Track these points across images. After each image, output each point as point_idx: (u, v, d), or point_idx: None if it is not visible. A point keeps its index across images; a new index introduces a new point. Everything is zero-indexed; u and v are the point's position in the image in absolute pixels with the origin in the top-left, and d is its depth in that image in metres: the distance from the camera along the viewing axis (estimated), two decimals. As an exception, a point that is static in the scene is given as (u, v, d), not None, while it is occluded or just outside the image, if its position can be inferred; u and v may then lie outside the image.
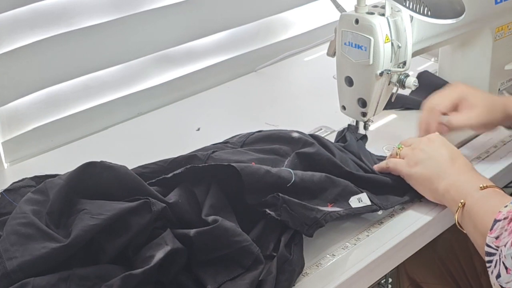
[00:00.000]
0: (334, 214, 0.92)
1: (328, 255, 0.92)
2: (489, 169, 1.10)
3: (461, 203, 0.91)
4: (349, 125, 1.15)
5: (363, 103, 1.10)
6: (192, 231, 0.85)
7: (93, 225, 0.82)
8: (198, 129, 1.28)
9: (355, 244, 0.95)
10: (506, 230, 0.80)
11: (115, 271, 0.81)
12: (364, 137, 1.13)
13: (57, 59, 1.22)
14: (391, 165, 1.04)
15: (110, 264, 0.83)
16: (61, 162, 1.19)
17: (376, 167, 1.05)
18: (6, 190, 0.99)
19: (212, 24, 1.44)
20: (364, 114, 1.11)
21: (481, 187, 0.91)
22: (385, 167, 1.04)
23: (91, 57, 1.27)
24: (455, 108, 1.09)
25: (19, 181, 1.02)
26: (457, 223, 0.93)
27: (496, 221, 0.82)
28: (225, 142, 1.12)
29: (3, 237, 0.83)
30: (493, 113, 1.08)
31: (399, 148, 1.05)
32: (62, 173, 0.95)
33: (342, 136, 1.14)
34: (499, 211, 0.82)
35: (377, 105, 1.10)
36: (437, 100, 1.09)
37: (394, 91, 1.11)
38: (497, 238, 0.81)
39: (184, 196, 0.91)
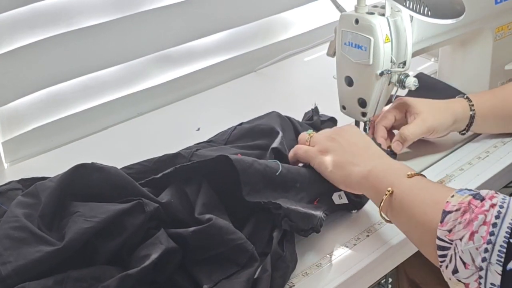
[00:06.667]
0: (323, 217, 0.93)
1: (328, 255, 0.92)
2: (489, 169, 1.10)
3: (388, 191, 0.87)
4: (313, 109, 1.20)
5: (363, 103, 1.10)
6: (188, 230, 0.85)
7: (87, 228, 0.82)
8: (198, 129, 1.28)
9: (355, 244, 0.94)
10: (460, 223, 0.76)
11: (110, 272, 0.81)
12: (332, 120, 1.16)
13: (57, 59, 1.23)
14: (300, 152, 1.01)
15: (106, 265, 0.82)
16: (61, 162, 1.18)
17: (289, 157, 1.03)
18: None
19: (212, 24, 1.44)
20: (364, 114, 1.11)
21: (408, 175, 0.87)
22: (293, 155, 1.02)
23: (91, 57, 1.27)
24: (401, 122, 1.10)
25: (5, 184, 1.02)
26: (380, 213, 0.89)
27: (446, 212, 0.78)
28: (209, 141, 1.13)
29: None
30: (439, 116, 1.08)
31: (309, 134, 1.02)
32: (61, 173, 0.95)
33: (309, 118, 1.18)
34: (447, 202, 0.78)
35: (377, 105, 1.10)
36: (381, 116, 1.11)
37: (393, 92, 1.11)
38: (450, 231, 0.77)
39: (176, 196, 0.91)
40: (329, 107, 1.22)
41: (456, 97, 1.15)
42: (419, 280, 1.25)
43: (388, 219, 0.90)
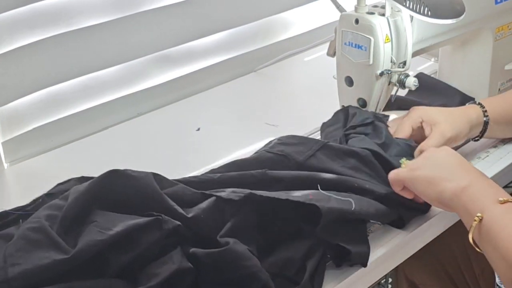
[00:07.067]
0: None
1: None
2: (489, 169, 1.10)
3: (478, 217, 0.82)
4: (377, 115, 1.09)
5: (363, 103, 1.10)
6: (204, 251, 0.83)
7: (99, 240, 0.80)
8: (198, 129, 1.28)
9: (355, 244, 0.94)
10: None
11: (117, 286, 0.80)
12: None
13: (57, 59, 1.22)
14: (392, 176, 0.96)
15: (112, 279, 0.81)
16: (61, 162, 1.19)
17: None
18: (48, 194, 0.96)
19: (212, 24, 1.44)
20: (364, 114, 1.11)
21: (500, 201, 0.82)
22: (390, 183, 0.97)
23: (91, 57, 1.27)
24: (418, 131, 1.06)
25: (63, 182, 0.97)
26: (471, 240, 0.83)
27: None
28: (281, 154, 0.99)
29: (13, 241, 0.81)
30: (457, 125, 1.05)
31: (403, 163, 0.97)
32: (61, 173, 0.94)
33: (366, 124, 1.06)
34: None
35: (377, 105, 1.10)
36: (397, 128, 1.06)
37: (393, 92, 1.11)
38: None
39: (210, 211, 0.87)
40: (329, 107, 1.22)
41: (467, 103, 1.13)
42: (418, 280, 1.25)
43: (479, 248, 0.84)
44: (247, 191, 0.89)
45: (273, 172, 0.94)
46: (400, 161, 0.98)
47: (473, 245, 0.84)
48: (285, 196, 0.88)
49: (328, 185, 0.93)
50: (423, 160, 0.94)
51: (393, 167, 0.98)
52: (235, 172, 0.96)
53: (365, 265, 0.90)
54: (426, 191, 0.92)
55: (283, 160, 0.98)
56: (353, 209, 0.89)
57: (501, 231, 0.80)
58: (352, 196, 0.91)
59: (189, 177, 0.97)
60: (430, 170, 0.92)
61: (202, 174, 0.98)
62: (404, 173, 0.95)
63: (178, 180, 0.94)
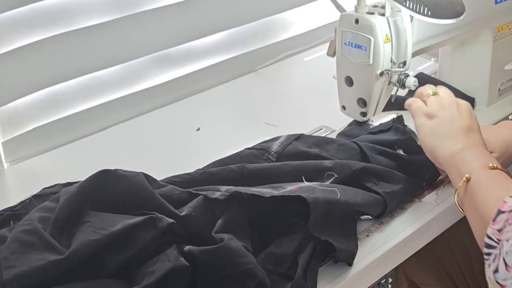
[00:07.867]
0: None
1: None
2: (489, 169, 1.10)
3: (466, 177, 0.87)
4: (394, 118, 1.16)
5: (363, 103, 1.10)
6: (199, 249, 0.83)
7: (93, 240, 0.80)
8: (198, 129, 1.28)
9: (355, 244, 0.94)
10: (510, 224, 0.75)
11: (113, 286, 0.80)
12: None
13: (56, 59, 1.23)
14: (414, 106, 1.01)
15: (109, 279, 0.81)
16: (61, 162, 1.19)
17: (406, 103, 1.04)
18: (35, 196, 0.97)
19: (212, 24, 1.44)
20: (364, 114, 1.11)
21: (490, 167, 0.87)
22: (408, 104, 1.03)
23: (91, 57, 1.27)
24: None
25: (50, 186, 1.00)
26: (455, 201, 0.89)
27: (500, 212, 0.77)
28: (261, 148, 1.05)
29: (7, 243, 0.81)
30: (507, 154, 1.03)
31: (433, 92, 1.01)
32: (61, 173, 0.94)
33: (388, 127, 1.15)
34: (504, 201, 0.77)
35: (377, 105, 1.10)
36: None
37: (393, 92, 1.11)
38: (499, 230, 0.76)
39: (200, 209, 0.88)
40: (329, 107, 1.22)
41: (499, 122, 1.10)
42: (418, 280, 1.25)
43: (462, 209, 0.89)
44: (233, 189, 0.90)
45: (251, 165, 0.98)
46: (433, 90, 1.02)
47: (457, 206, 0.89)
48: (269, 194, 0.89)
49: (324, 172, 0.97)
50: (441, 110, 0.97)
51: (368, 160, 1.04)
52: (215, 168, 1.00)
53: (350, 264, 0.90)
54: (425, 139, 0.98)
55: (263, 154, 1.04)
56: (338, 197, 0.91)
57: (483, 192, 0.84)
58: (337, 186, 0.93)
59: (172, 176, 0.98)
60: (438, 123, 0.96)
61: (184, 173, 0.99)
62: (421, 110, 0.99)
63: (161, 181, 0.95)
